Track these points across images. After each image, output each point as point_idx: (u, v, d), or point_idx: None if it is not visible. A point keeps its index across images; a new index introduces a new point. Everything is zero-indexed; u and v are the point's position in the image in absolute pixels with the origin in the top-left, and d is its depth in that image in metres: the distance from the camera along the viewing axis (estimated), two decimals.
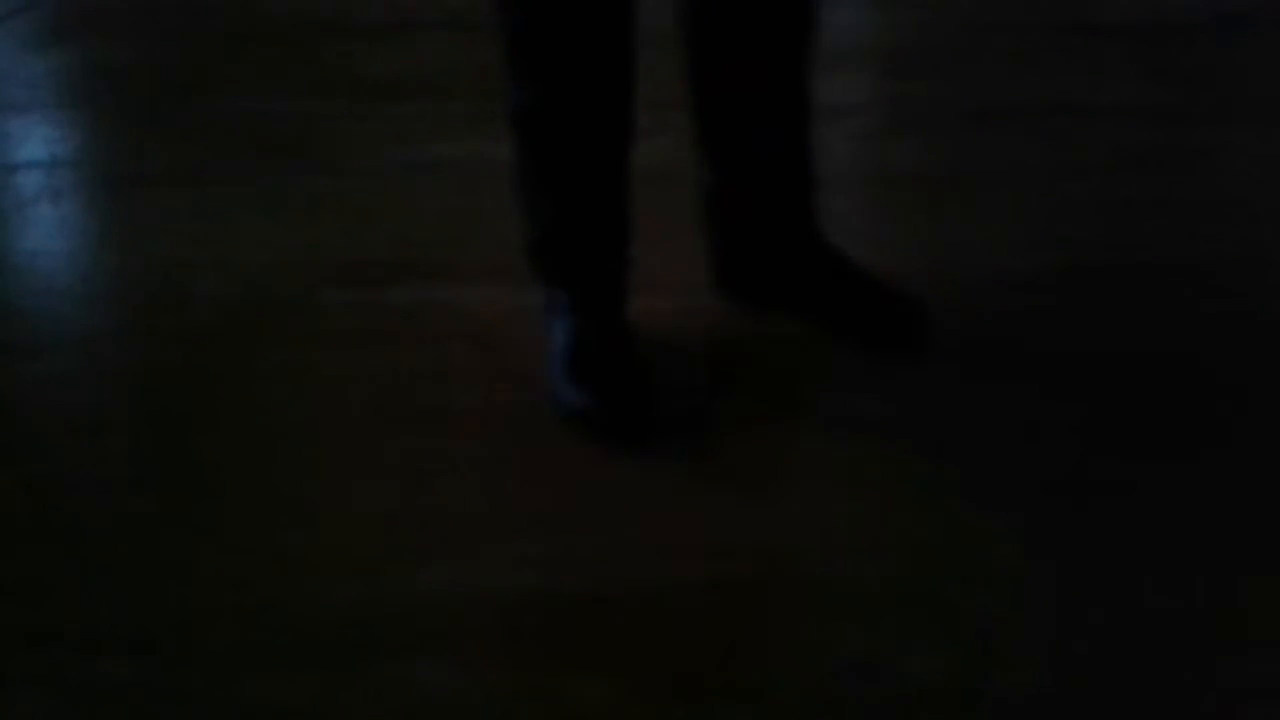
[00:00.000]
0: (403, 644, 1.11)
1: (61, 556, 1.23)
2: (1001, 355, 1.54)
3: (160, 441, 1.40)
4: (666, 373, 1.47)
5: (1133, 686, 1.06)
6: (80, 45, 2.73)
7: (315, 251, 1.81)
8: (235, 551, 1.23)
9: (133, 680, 1.08)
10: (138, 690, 1.07)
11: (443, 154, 2.09)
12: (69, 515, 1.29)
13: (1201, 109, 2.31)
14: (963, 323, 1.60)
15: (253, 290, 1.71)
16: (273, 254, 1.81)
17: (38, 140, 2.25)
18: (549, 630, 1.13)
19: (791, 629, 1.12)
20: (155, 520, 1.28)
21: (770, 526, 1.25)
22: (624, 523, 1.26)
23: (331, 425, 1.42)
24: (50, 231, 1.91)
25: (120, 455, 1.38)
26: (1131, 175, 2.04)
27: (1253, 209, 1.91)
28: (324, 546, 1.23)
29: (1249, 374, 1.49)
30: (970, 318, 1.61)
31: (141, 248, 1.85)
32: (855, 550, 1.22)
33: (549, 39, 1.37)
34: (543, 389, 1.43)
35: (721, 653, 1.10)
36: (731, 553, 1.22)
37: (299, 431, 1.41)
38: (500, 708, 1.04)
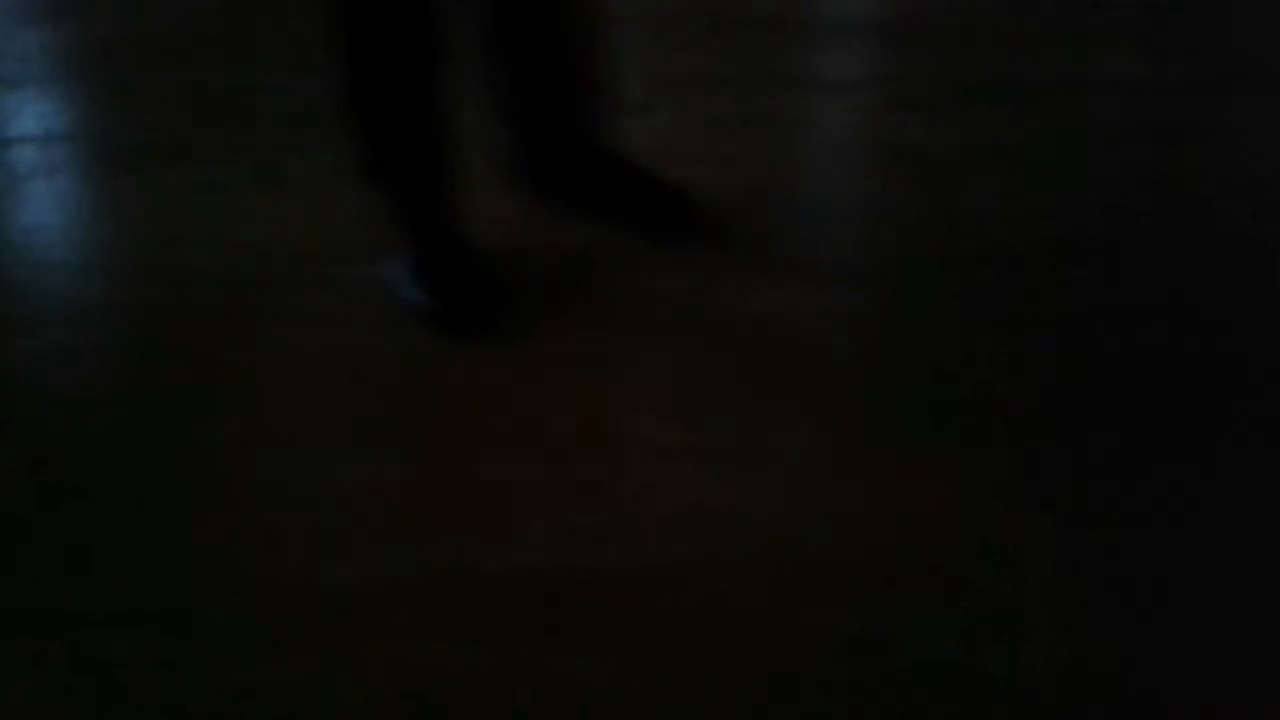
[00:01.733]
0: (398, 622, 1.11)
1: (55, 533, 1.22)
2: (1002, 327, 1.53)
3: (155, 418, 1.39)
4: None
5: (1138, 660, 1.05)
6: (75, 19, 2.71)
7: (312, 227, 1.80)
8: (230, 529, 1.22)
9: (128, 657, 1.07)
10: (133, 667, 1.06)
11: None
12: (63, 491, 1.28)
13: (1203, 82, 2.30)
14: (962, 296, 1.59)
15: (249, 265, 1.70)
16: (269, 229, 1.79)
17: (32, 115, 2.23)
18: (545, 609, 1.12)
19: (791, 606, 1.12)
20: (149, 497, 1.27)
21: (770, 502, 1.24)
22: (622, 502, 1.25)
23: (326, 404, 1.41)
24: (45, 207, 1.90)
25: (114, 431, 1.37)
26: (1133, 149, 2.03)
27: (1255, 181, 1.90)
28: (319, 524, 1.23)
29: (1259, 346, 1.48)
30: (970, 290, 1.60)
31: (137, 223, 1.84)
32: (852, 525, 1.21)
33: None
34: (545, 368, 1.42)
35: (719, 631, 1.09)
36: (724, 529, 1.21)
37: (292, 409, 1.40)
38: (495, 685, 1.04)
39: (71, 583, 1.16)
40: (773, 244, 1.73)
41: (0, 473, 1.31)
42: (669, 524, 1.21)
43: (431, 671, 1.05)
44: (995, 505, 1.24)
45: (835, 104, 2.24)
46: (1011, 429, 1.35)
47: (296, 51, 2.52)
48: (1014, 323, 1.55)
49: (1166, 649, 1.07)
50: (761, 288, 1.59)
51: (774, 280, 1.61)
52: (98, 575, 1.17)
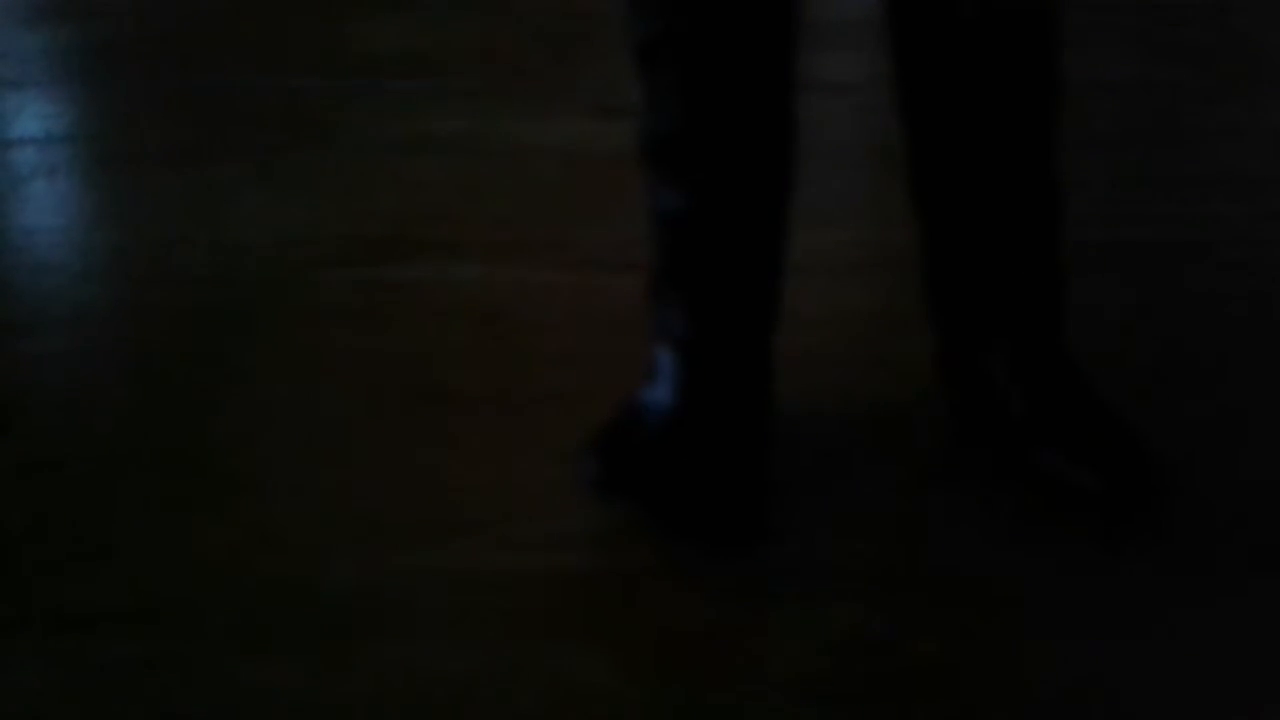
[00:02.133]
0: (401, 623, 1.10)
1: (55, 534, 1.22)
2: None
3: (157, 420, 1.39)
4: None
5: (1138, 660, 1.05)
6: (76, 20, 2.71)
7: (314, 229, 1.79)
8: (233, 530, 1.22)
9: (130, 658, 1.07)
10: (136, 668, 1.06)
11: (443, 130, 2.07)
12: (62, 494, 1.28)
13: (1206, 84, 2.29)
14: None
15: (251, 268, 1.70)
16: (271, 231, 1.79)
17: (33, 116, 2.23)
18: (548, 610, 1.12)
19: (789, 607, 1.11)
20: (152, 499, 1.27)
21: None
22: (618, 502, 1.24)
23: (330, 404, 1.41)
24: (45, 208, 1.90)
25: (116, 433, 1.37)
26: (1136, 151, 2.03)
27: (1258, 184, 1.90)
28: (322, 526, 1.22)
29: (1250, 348, 1.48)
30: None
31: (138, 224, 1.84)
32: (848, 525, 1.21)
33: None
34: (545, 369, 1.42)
35: (720, 631, 1.09)
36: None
37: (297, 410, 1.40)
38: (498, 686, 1.04)
39: (71, 583, 1.16)
40: None
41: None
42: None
43: (432, 672, 1.05)
44: (991, 509, 1.23)
45: (836, 105, 2.23)
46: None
47: (298, 53, 2.52)
48: None
49: (1166, 650, 1.07)
50: None
51: None
52: (97, 576, 1.16)
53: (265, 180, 1.95)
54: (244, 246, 1.75)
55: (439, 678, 1.05)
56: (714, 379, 1.22)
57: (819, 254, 1.69)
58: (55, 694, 1.04)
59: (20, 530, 1.23)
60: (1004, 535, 1.19)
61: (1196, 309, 1.56)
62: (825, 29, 2.66)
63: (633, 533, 1.20)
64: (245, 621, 1.11)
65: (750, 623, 1.10)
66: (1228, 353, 1.48)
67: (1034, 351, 1.24)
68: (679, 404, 1.21)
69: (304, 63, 2.45)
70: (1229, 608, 1.11)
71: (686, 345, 1.23)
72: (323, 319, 1.57)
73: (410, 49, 2.44)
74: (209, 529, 1.22)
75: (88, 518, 1.24)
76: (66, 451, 1.34)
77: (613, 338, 1.51)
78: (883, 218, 1.81)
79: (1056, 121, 1.22)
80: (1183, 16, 2.63)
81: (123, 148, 2.11)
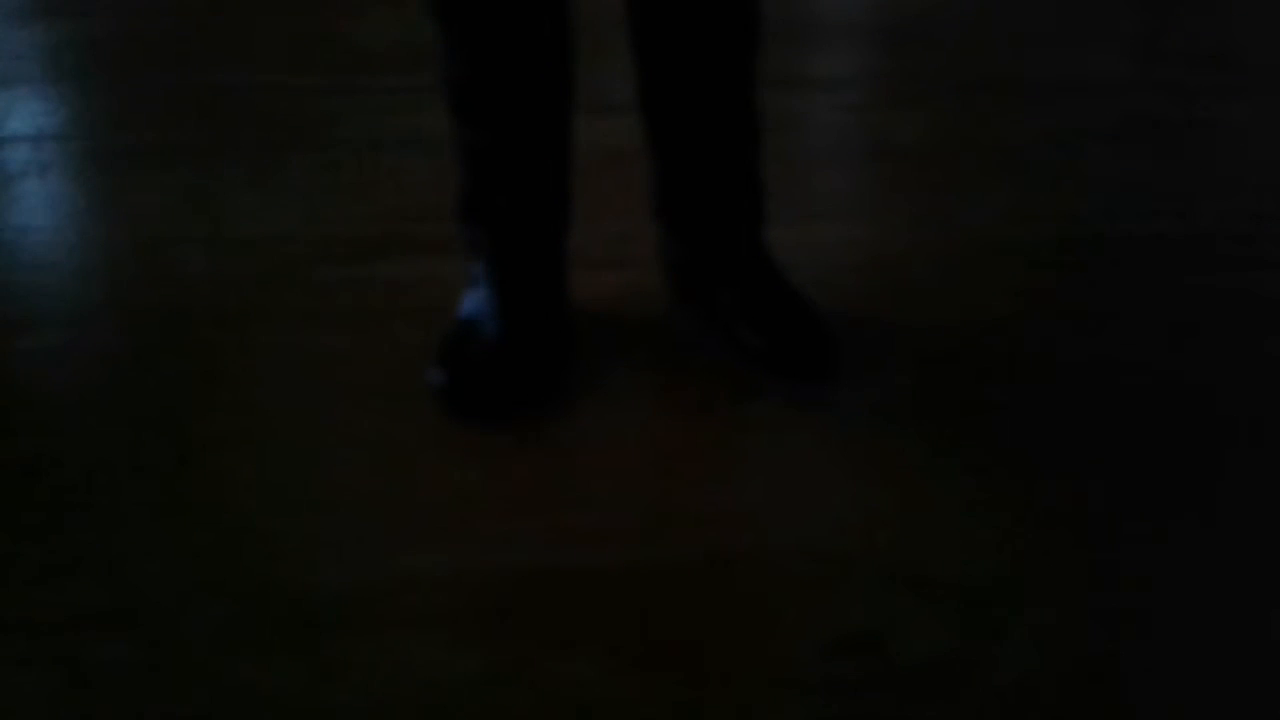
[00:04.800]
0: (395, 624, 1.10)
1: (48, 534, 1.22)
2: (1000, 328, 1.53)
3: (149, 419, 1.39)
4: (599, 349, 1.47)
5: (1134, 662, 1.05)
6: (68, 19, 2.71)
7: (307, 226, 1.79)
8: (226, 531, 1.22)
9: (121, 659, 1.07)
10: (127, 669, 1.06)
11: (435, 127, 2.05)
12: (55, 493, 1.28)
13: (1202, 81, 2.30)
14: (961, 296, 1.59)
15: (244, 266, 1.70)
16: (264, 229, 1.79)
17: (24, 114, 2.23)
18: (540, 608, 1.12)
19: (781, 606, 1.12)
20: (143, 499, 1.27)
21: (753, 503, 1.24)
22: (615, 501, 1.25)
23: (322, 402, 1.41)
24: (37, 206, 1.89)
25: (108, 433, 1.37)
26: (1133, 147, 2.03)
27: (1260, 180, 1.91)
28: (314, 525, 1.22)
29: (1250, 345, 1.49)
30: (968, 290, 1.61)
31: (130, 223, 1.83)
32: (842, 526, 1.21)
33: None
34: None
35: (712, 630, 1.09)
36: (720, 529, 1.21)
37: (290, 409, 1.40)
38: (489, 685, 1.04)
39: (66, 584, 1.16)
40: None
41: None
42: (666, 524, 1.22)
43: (429, 673, 1.05)
44: (991, 506, 1.24)
45: (826, 103, 2.24)
46: (1008, 429, 1.35)
47: (292, 51, 2.51)
48: (1009, 321, 1.55)
49: (1162, 652, 1.07)
50: None
51: None
52: (92, 576, 1.16)
53: (258, 178, 1.95)
54: (237, 244, 1.75)
55: (433, 679, 1.05)
56: (516, 280, 1.45)
57: (807, 251, 1.69)
58: (47, 695, 1.04)
59: (11, 530, 1.23)
60: (993, 536, 1.20)
61: (1195, 303, 1.57)
62: (814, 28, 2.67)
63: (630, 531, 1.20)
64: (239, 623, 1.11)
65: (748, 618, 1.10)
66: (1224, 348, 1.48)
67: (741, 251, 1.49)
68: (499, 306, 1.42)
69: (296, 60, 2.45)
70: (1230, 608, 1.12)
71: (493, 255, 1.45)
72: (316, 317, 1.57)
73: (403, 46, 2.44)
74: (202, 529, 1.22)
75: (79, 517, 1.24)
76: (58, 450, 1.34)
77: (601, 330, 1.51)
78: (870, 215, 1.82)
79: (755, 60, 1.41)
80: (1179, 15, 2.63)
81: (115, 146, 2.10)
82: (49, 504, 1.26)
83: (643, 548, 1.18)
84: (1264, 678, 1.04)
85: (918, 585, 1.14)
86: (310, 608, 1.12)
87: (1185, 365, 1.46)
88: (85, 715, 1.02)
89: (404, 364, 1.47)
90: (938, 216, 1.81)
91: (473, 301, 1.45)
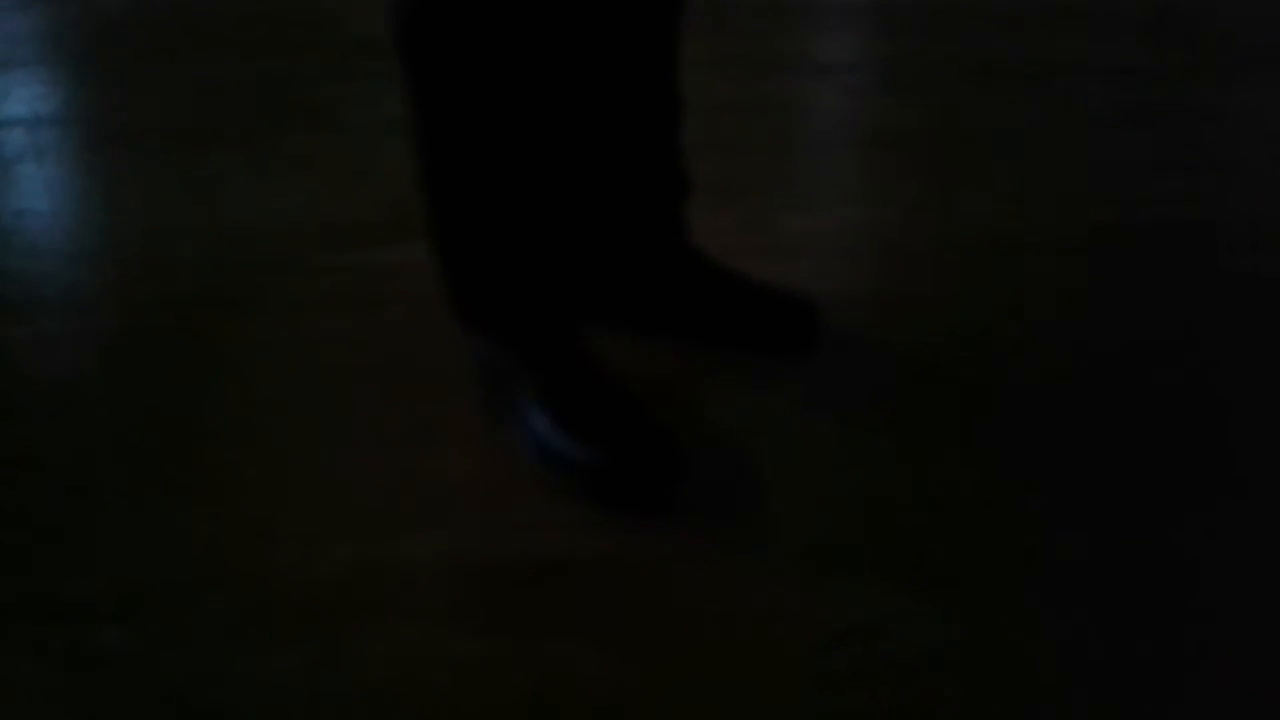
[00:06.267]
0: (395, 613, 1.10)
1: (47, 523, 1.22)
2: (1001, 316, 1.53)
3: (146, 406, 1.39)
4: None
5: (1135, 651, 1.05)
6: (65, 2, 2.70)
7: (305, 212, 1.79)
8: (224, 519, 1.22)
9: (118, 649, 1.07)
10: (129, 659, 1.06)
11: None
12: (52, 481, 1.27)
13: (1198, 68, 2.30)
14: (962, 283, 1.59)
15: (240, 251, 1.69)
16: (261, 214, 1.79)
17: (21, 98, 2.22)
18: (538, 595, 1.12)
19: (778, 599, 1.12)
20: (142, 487, 1.26)
21: (749, 494, 1.24)
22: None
23: (320, 390, 1.41)
24: (34, 191, 1.89)
25: (105, 420, 1.37)
26: (1131, 134, 2.03)
27: (1260, 166, 1.91)
28: (315, 514, 1.22)
29: (1255, 331, 1.48)
30: (968, 277, 1.60)
31: (127, 208, 1.83)
32: (840, 519, 1.21)
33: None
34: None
35: (710, 619, 1.09)
36: (715, 521, 1.21)
37: (287, 396, 1.39)
38: (493, 675, 1.04)
39: (66, 573, 1.15)
40: (767, 227, 1.72)
41: None
42: (665, 516, 1.21)
43: (429, 662, 1.05)
44: (992, 496, 1.24)
45: (827, 86, 2.23)
46: (1010, 419, 1.35)
47: (290, 37, 2.51)
48: (1010, 308, 1.55)
49: (1164, 650, 1.07)
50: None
51: (773, 259, 1.60)
52: (92, 566, 1.16)
53: (257, 164, 1.94)
54: (235, 230, 1.75)
55: (436, 666, 1.05)
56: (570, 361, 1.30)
57: (810, 237, 1.69)
58: (46, 685, 1.04)
59: (10, 518, 1.23)
60: (993, 530, 1.20)
61: (1195, 296, 1.57)
62: (815, 12, 2.66)
63: (632, 521, 1.20)
64: (239, 611, 1.11)
65: (747, 609, 1.10)
66: (1229, 338, 1.48)
67: (663, 241, 1.43)
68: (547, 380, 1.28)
69: (295, 46, 2.44)
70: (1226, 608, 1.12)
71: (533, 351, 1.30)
72: (315, 303, 1.57)
73: None
74: (201, 518, 1.22)
75: (76, 505, 1.24)
76: (55, 438, 1.34)
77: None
78: (872, 200, 1.81)
79: (680, 37, 1.38)
80: (1170, 3, 2.63)
81: (113, 130, 2.10)
82: (46, 492, 1.26)
83: (644, 537, 1.18)
84: (1270, 679, 1.04)
85: (916, 580, 1.13)
86: (311, 596, 1.12)
87: (1188, 350, 1.46)
88: (85, 705, 1.02)
89: (403, 350, 1.46)
90: (938, 202, 1.80)
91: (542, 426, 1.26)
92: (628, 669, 1.04)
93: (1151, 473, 1.27)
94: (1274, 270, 1.62)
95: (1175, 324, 1.51)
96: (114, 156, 2.00)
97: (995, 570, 1.14)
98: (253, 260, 1.67)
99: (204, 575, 1.15)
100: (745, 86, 2.19)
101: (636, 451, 1.21)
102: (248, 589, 1.13)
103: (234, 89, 2.23)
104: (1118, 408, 1.36)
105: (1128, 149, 1.97)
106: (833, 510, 1.22)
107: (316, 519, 1.21)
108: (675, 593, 1.12)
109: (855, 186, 1.89)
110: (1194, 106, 2.12)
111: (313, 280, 1.62)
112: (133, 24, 2.60)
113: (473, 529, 1.20)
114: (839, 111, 2.16)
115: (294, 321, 1.53)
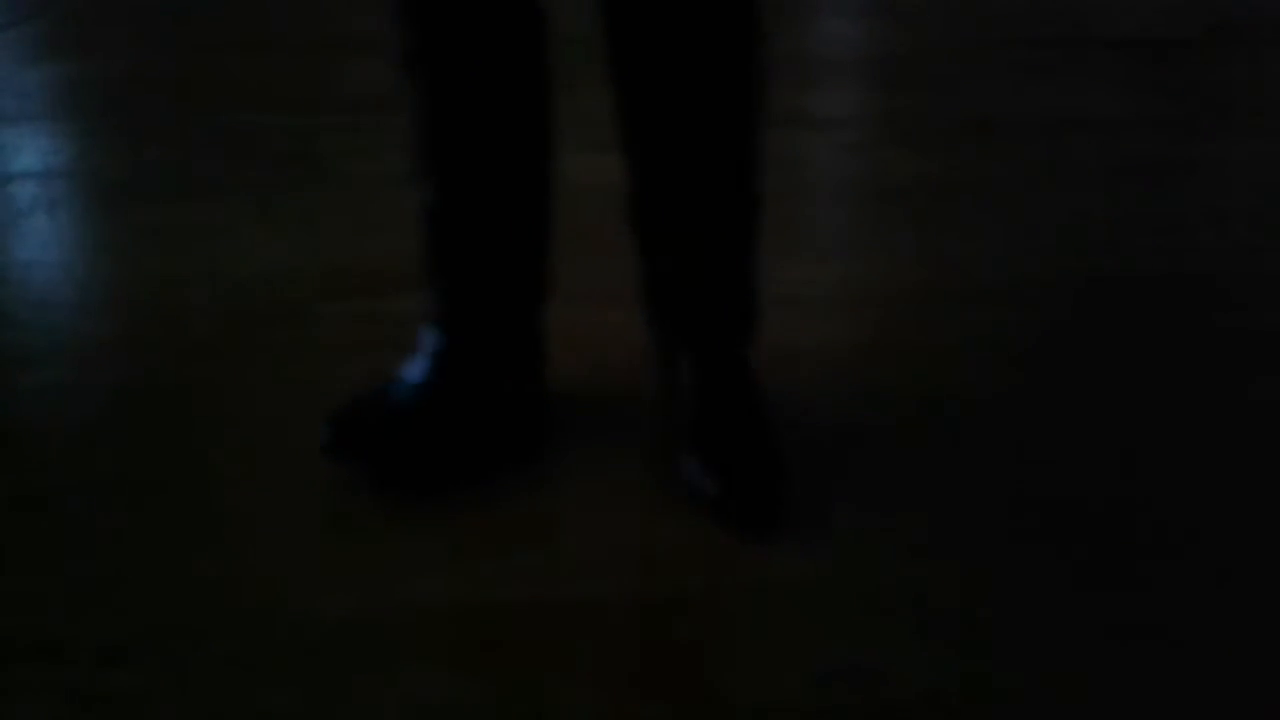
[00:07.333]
0: (396, 654, 1.11)
1: (54, 568, 1.23)
2: (989, 361, 1.54)
3: (154, 454, 1.40)
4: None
5: (1121, 694, 1.06)
6: (75, 57, 2.74)
7: (311, 263, 1.81)
8: (230, 562, 1.23)
9: (124, 689, 1.08)
10: (131, 701, 1.07)
11: None
12: (60, 527, 1.29)
13: (1198, 120, 2.32)
14: (954, 334, 1.60)
15: (248, 301, 1.71)
16: (268, 265, 1.81)
17: (33, 151, 2.25)
18: (537, 638, 1.13)
19: (775, 635, 1.12)
20: (147, 532, 1.27)
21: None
22: (615, 533, 1.26)
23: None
24: (45, 242, 1.91)
25: (114, 467, 1.38)
26: (1130, 187, 2.05)
27: (1252, 219, 1.92)
28: (318, 557, 1.23)
29: (1251, 382, 1.50)
30: (960, 328, 1.62)
31: (136, 258, 1.85)
32: (836, 556, 1.22)
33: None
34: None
35: (712, 661, 1.10)
36: (719, 561, 1.22)
37: (294, 444, 1.41)
38: (494, 715, 1.04)
39: (71, 615, 1.16)
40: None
41: None
42: (664, 556, 1.22)
43: (430, 702, 1.06)
44: (981, 535, 1.25)
45: (824, 141, 2.26)
46: (999, 460, 1.36)
47: (296, 90, 2.54)
48: (1001, 356, 1.56)
49: (1150, 684, 1.08)
50: None
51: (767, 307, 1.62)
52: (97, 608, 1.17)
53: (263, 214, 1.97)
54: (241, 280, 1.77)
55: (435, 708, 1.05)
56: (465, 354, 1.35)
57: (808, 287, 1.71)
58: None
59: (16, 561, 1.24)
60: (989, 568, 1.21)
61: (1188, 341, 1.58)
62: (816, 66, 2.69)
63: (629, 563, 1.21)
64: (242, 653, 1.12)
65: (746, 648, 1.11)
66: (1216, 384, 1.49)
67: (713, 362, 1.34)
68: (428, 378, 1.33)
69: (301, 99, 2.47)
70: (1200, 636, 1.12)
71: (443, 324, 1.36)
72: (319, 352, 1.58)
73: None
74: (206, 561, 1.23)
75: (84, 549, 1.25)
76: (63, 483, 1.35)
77: (597, 371, 1.52)
78: (871, 252, 1.84)
79: (757, 135, 1.25)
80: (1173, 53, 2.66)
81: (122, 182, 2.12)
82: (51, 537, 1.27)
83: (640, 578, 1.19)
84: (1265, 689, 1.05)
85: (913, 616, 1.14)
86: (314, 638, 1.13)
87: (1176, 403, 1.47)
88: None
89: None
90: (932, 255, 1.82)
91: (407, 371, 1.37)
92: (626, 709, 1.05)
93: (1147, 519, 1.28)
94: (1263, 324, 1.64)
95: (1164, 376, 1.53)
96: (122, 208, 2.03)
97: (991, 609, 1.15)
98: (259, 309, 1.69)
99: (206, 617, 1.16)
100: None
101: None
102: (250, 630, 1.14)
103: (240, 142, 2.26)
104: (1107, 454, 1.38)
105: (1120, 202, 1.99)
106: (826, 548, 1.23)
107: (319, 563, 1.22)
108: (672, 635, 1.13)
109: (849, 239, 1.91)
110: (1194, 158, 2.14)
111: (319, 329, 1.64)
112: (140, 79, 2.63)
113: (471, 573, 1.21)
114: (838, 165, 2.18)
115: (300, 370, 1.55)
